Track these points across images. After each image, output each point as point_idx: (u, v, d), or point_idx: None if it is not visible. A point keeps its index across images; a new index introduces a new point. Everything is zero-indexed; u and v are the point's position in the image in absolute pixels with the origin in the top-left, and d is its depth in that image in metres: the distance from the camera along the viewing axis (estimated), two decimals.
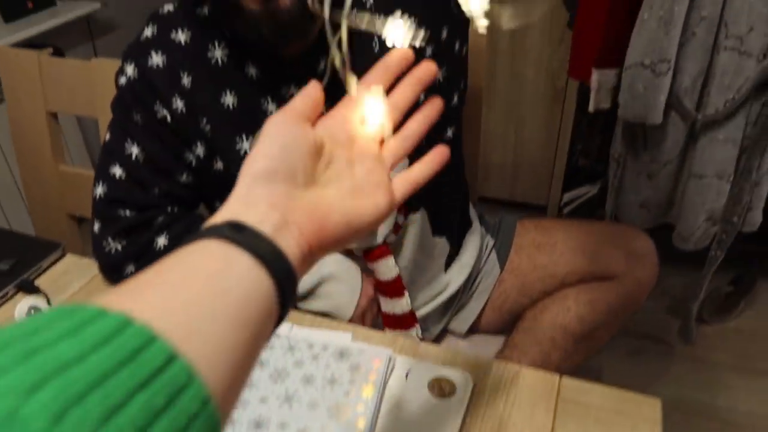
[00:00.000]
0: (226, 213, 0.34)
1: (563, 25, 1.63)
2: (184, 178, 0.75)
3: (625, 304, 0.99)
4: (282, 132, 0.37)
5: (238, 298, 0.29)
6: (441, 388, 0.61)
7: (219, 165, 0.75)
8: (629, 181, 1.42)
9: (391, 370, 0.63)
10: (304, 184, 0.36)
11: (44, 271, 0.81)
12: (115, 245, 0.72)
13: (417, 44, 0.41)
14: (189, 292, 0.28)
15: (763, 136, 1.26)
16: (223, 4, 0.65)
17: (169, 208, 0.75)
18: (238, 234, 0.32)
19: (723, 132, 1.28)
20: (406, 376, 0.63)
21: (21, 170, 1.08)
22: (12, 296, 0.77)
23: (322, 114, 0.41)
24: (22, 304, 0.68)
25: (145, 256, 0.72)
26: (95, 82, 0.97)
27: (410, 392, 0.61)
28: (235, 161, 0.74)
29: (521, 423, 0.59)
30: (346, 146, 0.41)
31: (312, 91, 0.39)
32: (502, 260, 1.04)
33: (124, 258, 0.72)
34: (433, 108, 0.44)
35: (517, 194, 2.00)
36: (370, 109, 0.41)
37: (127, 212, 0.73)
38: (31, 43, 1.86)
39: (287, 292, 0.32)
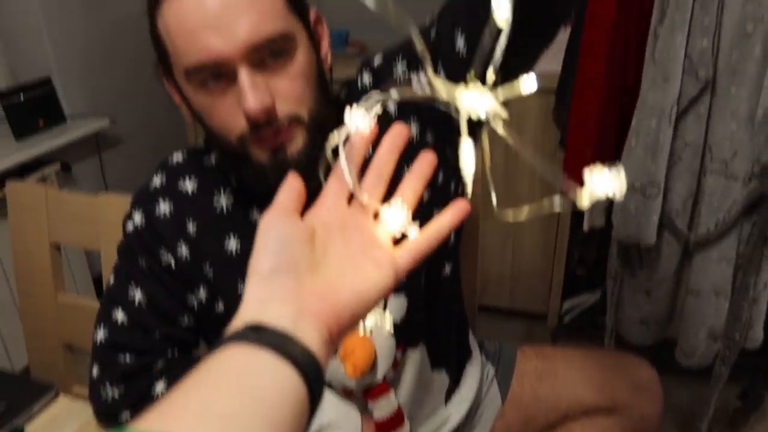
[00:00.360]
0: (242, 317, 0.35)
1: (555, 145, 1.70)
2: (185, 321, 0.76)
3: None
4: (277, 228, 0.38)
5: (272, 402, 0.30)
6: None
7: (220, 308, 0.76)
8: (627, 298, 1.42)
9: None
10: (308, 271, 0.37)
11: (36, 414, 0.79)
12: (112, 392, 0.71)
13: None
14: (223, 405, 0.29)
15: (755, 255, 1.27)
16: (232, 155, 0.67)
17: (168, 352, 0.74)
18: (260, 335, 0.33)
19: (717, 251, 1.30)
20: None
21: (20, 297, 1.09)
22: None
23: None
24: None
25: (141, 403, 0.71)
26: (100, 216, 1.00)
27: None
28: (237, 304, 0.74)
29: None
30: (338, 228, 0.41)
31: (293, 183, 0.41)
32: (503, 391, 1.02)
33: (121, 404, 0.71)
34: (425, 164, 0.44)
35: (517, 303, 1.99)
36: (389, 218, 0.42)
37: (127, 357, 0.72)
38: (39, 160, 1.92)
39: (315, 384, 0.33)
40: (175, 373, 0.72)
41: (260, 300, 0.36)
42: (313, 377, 0.33)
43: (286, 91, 0.62)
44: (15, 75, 2.07)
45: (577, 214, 1.75)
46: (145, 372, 0.72)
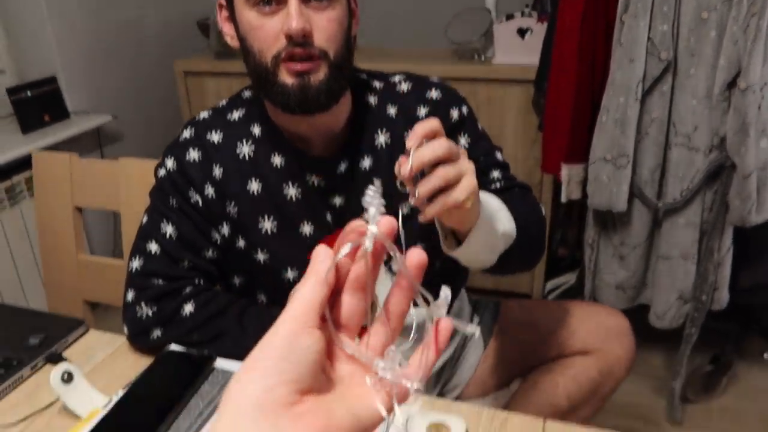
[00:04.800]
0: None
1: (535, 129, 1.82)
2: (210, 254, 0.86)
3: (606, 380, 1.06)
4: (291, 340, 0.32)
5: None
6: (438, 431, 0.68)
7: (241, 243, 0.86)
8: (603, 264, 1.53)
9: (392, 421, 0.70)
10: (307, 388, 0.32)
11: (70, 345, 0.88)
12: (146, 310, 0.81)
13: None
14: None
15: (718, 220, 1.39)
16: (263, 78, 0.78)
17: (196, 280, 0.84)
18: None
19: (683, 217, 1.41)
20: (406, 422, 0.69)
21: (42, 257, 1.17)
22: (41, 367, 0.83)
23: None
24: (56, 370, 0.74)
25: (171, 322, 0.80)
26: (120, 179, 1.09)
27: None
28: (256, 239, 0.84)
29: None
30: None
31: (323, 272, 0.34)
32: (487, 338, 1.12)
33: (154, 323, 0.80)
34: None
35: (502, 284, 2.09)
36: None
37: (160, 281, 0.82)
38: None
39: None
40: (201, 298, 0.82)
41: (236, 419, 0.30)
42: None
43: (322, 28, 0.75)
44: (22, 74, 2.16)
45: (557, 196, 1.87)
46: (175, 294, 0.81)
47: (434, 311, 0.35)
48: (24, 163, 1.92)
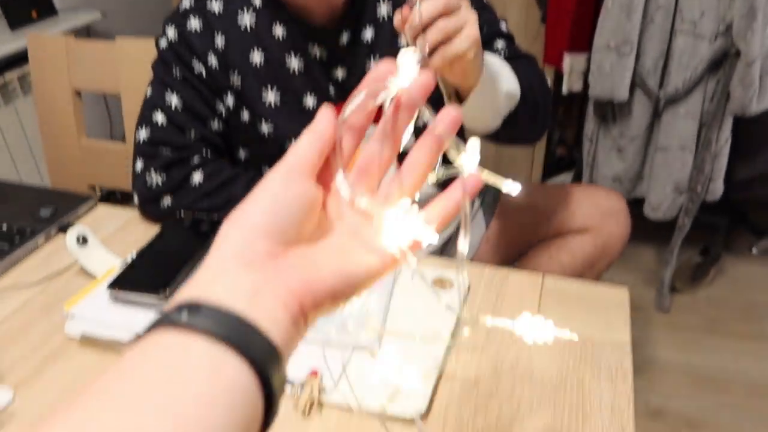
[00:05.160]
0: (192, 287, 0.29)
1: (538, 22, 1.78)
2: (216, 125, 0.86)
3: (601, 255, 1.10)
4: (278, 188, 0.31)
5: (197, 399, 0.24)
6: (442, 285, 0.71)
7: (245, 116, 0.86)
8: (602, 157, 1.55)
9: (397, 276, 0.73)
10: (293, 242, 0.31)
11: (81, 217, 0.90)
12: (156, 178, 0.82)
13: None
14: (137, 417, 0.23)
15: (719, 111, 1.39)
16: None
17: (203, 151, 0.85)
18: (194, 316, 0.26)
19: (684, 107, 1.41)
20: (411, 277, 0.73)
21: (44, 145, 1.17)
22: (54, 236, 0.86)
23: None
24: (71, 232, 0.77)
25: (181, 190, 0.82)
26: (119, 60, 1.07)
27: (415, 288, 0.71)
28: (260, 111, 0.85)
29: (511, 308, 0.69)
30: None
31: (322, 131, 0.33)
32: (488, 219, 1.15)
33: (163, 190, 0.82)
34: (447, 124, 0.34)
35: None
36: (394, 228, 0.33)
37: (168, 150, 0.83)
38: None
39: (271, 369, 0.27)
40: (209, 167, 0.83)
41: (217, 269, 0.29)
42: (266, 361, 0.26)
43: None
44: None
45: (558, 94, 1.86)
46: (183, 163, 0.83)
47: (464, 164, 0.32)
48: (14, 61, 1.87)
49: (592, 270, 1.08)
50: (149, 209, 0.84)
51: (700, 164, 1.45)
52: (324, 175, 0.35)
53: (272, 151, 0.89)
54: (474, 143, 0.33)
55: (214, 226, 0.77)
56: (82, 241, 0.77)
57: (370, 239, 0.34)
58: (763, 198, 1.71)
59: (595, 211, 1.11)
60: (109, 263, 0.76)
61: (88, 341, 0.66)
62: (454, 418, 0.57)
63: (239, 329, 0.26)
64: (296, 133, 0.86)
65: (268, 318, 0.28)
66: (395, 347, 0.63)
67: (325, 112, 0.34)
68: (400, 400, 0.57)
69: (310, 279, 0.30)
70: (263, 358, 0.26)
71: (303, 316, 0.30)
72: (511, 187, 0.33)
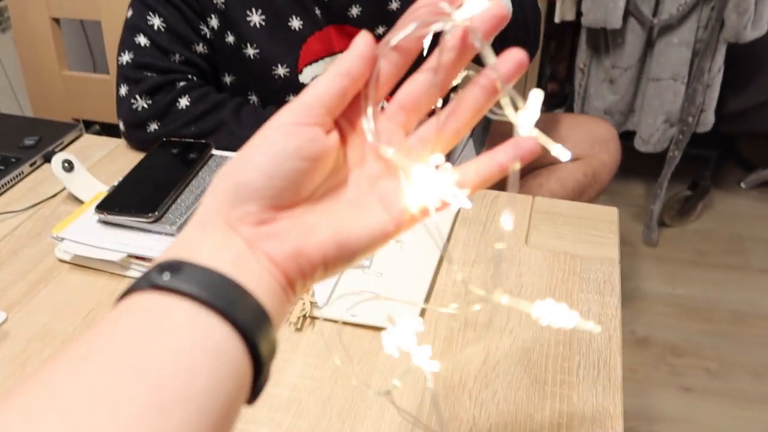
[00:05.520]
0: (176, 246, 0.27)
1: None
2: (200, 48, 0.83)
3: (591, 183, 1.11)
4: (278, 140, 0.28)
5: (178, 365, 0.22)
6: None
7: (230, 38, 0.83)
8: (593, 89, 1.53)
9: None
10: (288, 200, 0.28)
11: (66, 146, 0.88)
12: (141, 103, 0.80)
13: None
14: (113, 381, 0.21)
15: (712, 39, 1.37)
16: None
17: (189, 75, 0.83)
18: (175, 277, 0.24)
19: (677, 35, 1.39)
20: None
21: (25, 78, 1.14)
22: (40, 165, 0.84)
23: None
24: (56, 159, 0.75)
25: (168, 115, 0.80)
26: None
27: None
28: (245, 33, 0.82)
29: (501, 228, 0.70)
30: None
31: (349, 66, 0.29)
32: (478, 149, 1.14)
33: (150, 115, 0.80)
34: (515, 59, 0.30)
35: None
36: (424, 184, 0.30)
37: (152, 74, 0.81)
38: None
39: (258, 334, 0.25)
40: (196, 92, 0.81)
41: (203, 224, 0.27)
42: (256, 335, 0.24)
43: None
44: None
45: (548, 31, 1.82)
46: (169, 88, 0.81)
47: (521, 121, 0.27)
48: None
49: (582, 198, 1.09)
50: (135, 135, 0.83)
51: (692, 95, 1.44)
52: (353, 110, 0.31)
53: (258, 76, 0.87)
54: (536, 95, 0.27)
55: (203, 151, 0.76)
56: (68, 167, 0.76)
57: (390, 195, 0.30)
58: (754, 130, 1.71)
59: (585, 140, 1.11)
60: (96, 189, 0.75)
61: (79, 264, 0.66)
62: (445, 328, 0.58)
63: (224, 291, 0.24)
64: (282, 57, 0.85)
65: (255, 281, 0.26)
66: (386, 261, 0.63)
67: (362, 42, 0.29)
68: (392, 313, 0.58)
69: (297, 249, 0.28)
70: (250, 323, 0.24)
71: (290, 286, 0.28)
72: (561, 152, 0.28)
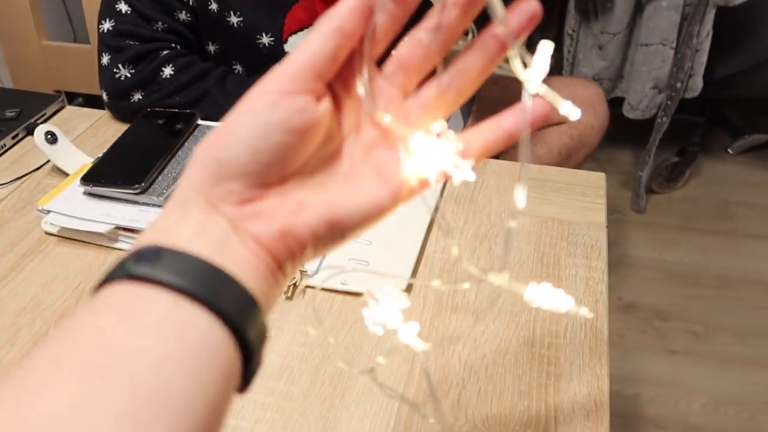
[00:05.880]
0: (154, 228, 0.25)
1: None
2: (183, 15, 0.82)
3: (578, 146, 1.11)
4: (261, 112, 0.25)
5: (156, 363, 0.21)
6: None
7: (213, 6, 0.82)
8: (582, 55, 1.52)
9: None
10: (275, 177, 0.26)
11: (49, 118, 0.87)
12: (124, 72, 0.79)
13: None
14: (85, 385, 0.20)
15: (701, 2, 1.36)
16: None
17: (172, 44, 0.81)
18: (155, 266, 0.22)
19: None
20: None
21: (3, 49, 1.12)
22: (22, 138, 0.83)
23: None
24: (39, 131, 0.74)
25: (152, 83, 0.79)
26: None
27: None
28: (228, 1, 0.81)
29: (490, 192, 0.70)
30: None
31: (340, 23, 0.26)
32: (465, 116, 1.14)
33: (133, 85, 0.79)
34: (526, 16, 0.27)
35: None
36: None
37: (135, 42, 0.79)
38: None
39: (246, 322, 0.23)
40: (180, 61, 0.80)
41: (184, 205, 0.25)
42: (243, 323, 0.23)
43: None
44: None
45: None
46: (152, 56, 0.79)
47: (529, 79, 0.25)
48: None
49: (569, 161, 1.09)
50: (119, 105, 0.82)
51: (681, 59, 1.43)
52: (346, 69, 0.28)
53: (242, 45, 0.85)
54: (546, 48, 0.25)
55: (188, 122, 0.75)
56: (52, 139, 0.75)
57: (386, 165, 0.28)
58: (741, 95, 1.71)
59: (573, 102, 1.11)
60: (81, 161, 0.74)
61: (66, 237, 0.66)
62: (434, 294, 0.58)
63: (207, 279, 0.23)
64: (266, 26, 0.84)
65: (241, 265, 0.24)
66: (376, 228, 0.64)
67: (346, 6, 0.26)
68: (381, 281, 0.58)
69: (285, 229, 0.26)
70: (236, 311, 0.23)
71: (279, 267, 0.26)
72: (571, 111, 0.27)
